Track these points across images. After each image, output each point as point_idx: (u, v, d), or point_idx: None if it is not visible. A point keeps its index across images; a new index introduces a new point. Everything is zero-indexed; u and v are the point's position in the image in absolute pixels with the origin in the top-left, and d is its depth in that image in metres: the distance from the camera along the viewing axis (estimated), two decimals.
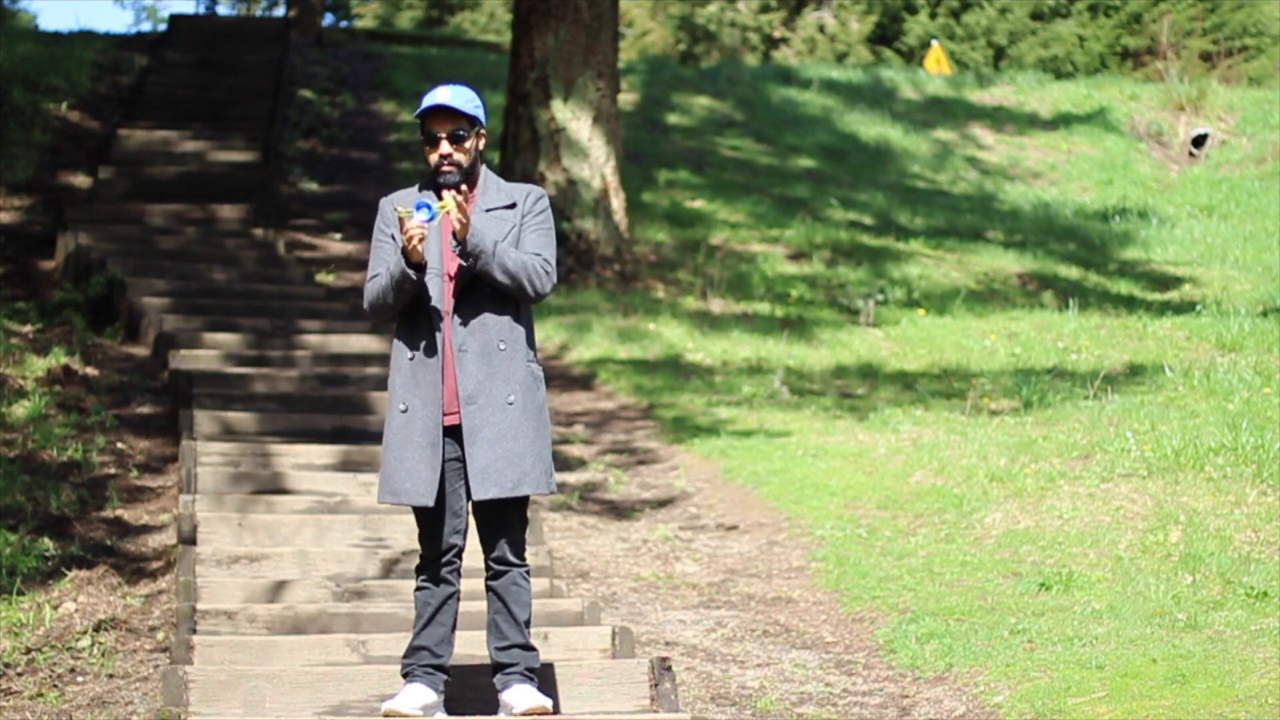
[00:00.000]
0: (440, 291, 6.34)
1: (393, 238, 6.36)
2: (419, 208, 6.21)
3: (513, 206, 6.45)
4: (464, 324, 6.32)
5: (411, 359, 6.34)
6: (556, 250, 6.49)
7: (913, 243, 18.50)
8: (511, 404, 6.32)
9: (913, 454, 11.25)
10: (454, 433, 6.34)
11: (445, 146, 6.34)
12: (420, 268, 6.24)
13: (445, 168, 6.36)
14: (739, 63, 31.39)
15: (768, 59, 40.25)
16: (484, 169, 6.51)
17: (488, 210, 6.41)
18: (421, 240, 6.17)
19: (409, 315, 6.37)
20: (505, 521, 6.38)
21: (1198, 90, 25.57)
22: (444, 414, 6.31)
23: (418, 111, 6.37)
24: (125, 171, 17.37)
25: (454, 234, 6.26)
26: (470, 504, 6.39)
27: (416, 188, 6.46)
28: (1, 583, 8.77)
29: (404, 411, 6.32)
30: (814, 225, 18.66)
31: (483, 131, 6.44)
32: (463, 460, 6.34)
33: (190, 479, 9.64)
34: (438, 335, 6.32)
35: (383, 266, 6.35)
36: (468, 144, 6.37)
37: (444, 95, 6.33)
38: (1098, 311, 15.79)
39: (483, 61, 24.82)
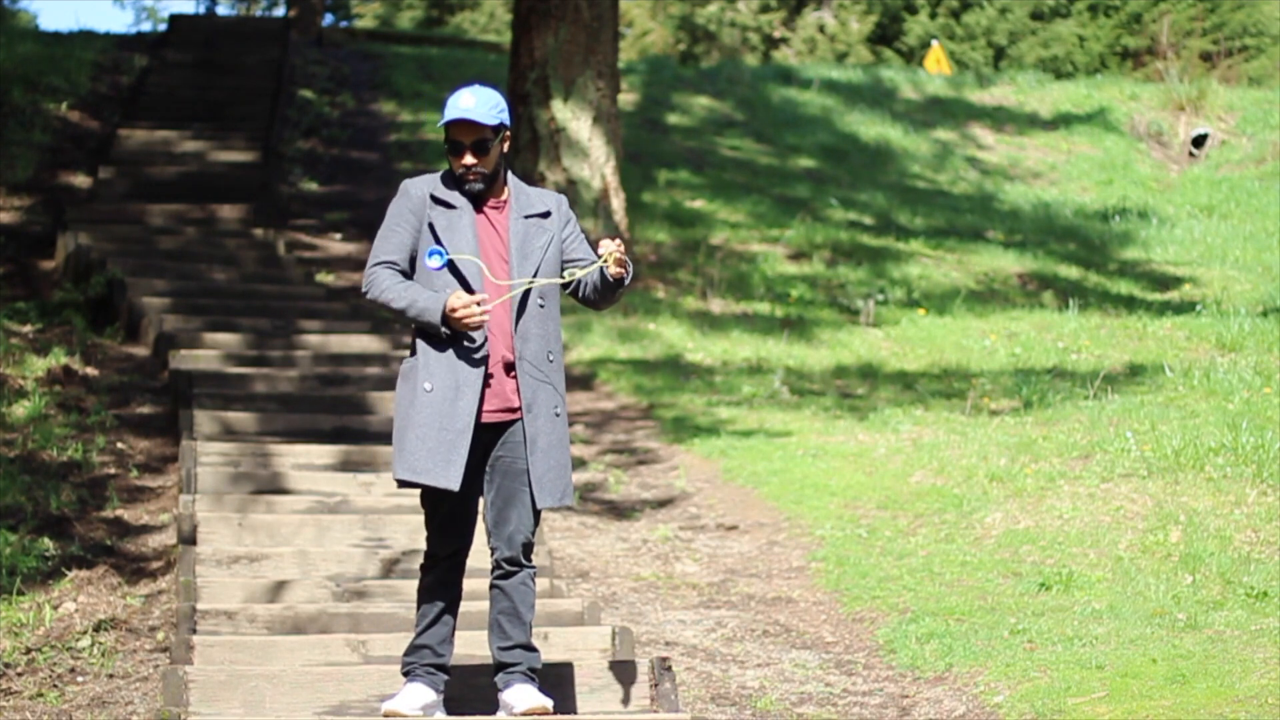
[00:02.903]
0: (480, 283, 6.28)
1: (430, 227, 6.32)
2: (431, 255, 6.21)
3: (547, 215, 6.45)
4: (521, 334, 6.32)
5: (449, 336, 6.26)
6: None
7: (913, 243, 18.49)
8: (558, 415, 6.37)
9: (913, 454, 11.25)
10: (482, 432, 6.31)
11: (469, 158, 6.32)
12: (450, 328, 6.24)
13: (470, 177, 6.34)
14: (739, 63, 31.35)
15: (768, 59, 40.24)
16: (508, 172, 6.49)
17: (526, 217, 6.41)
18: (477, 324, 6.19)
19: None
20: (528, 525, 6.40)
21: (1198, 90, 25.56)
22: (480, 410, 6.28)
23: (442, 121, 6.30)
24: (125, 171, 17.36)
25: (612, 275, 6.32)
26: (484, 504, 6.40)
27: (438, 176, 6.44)
28: (1, 583, 8.77)
29: (429, 391, 6.26)
30: (814, 225, 18.65)
31: (507, 135, 6.42)
32: (483, 462, 6.35)
33: (190, 479, 9.63)
34: (484, 337, 6.27)
35: (395, 252, 6.28)
36: (492, 152, 6.35)
37: (468, 104, 6.28)
38: (1098, 311, 15.79)
39: (483, 61, 24.81)
